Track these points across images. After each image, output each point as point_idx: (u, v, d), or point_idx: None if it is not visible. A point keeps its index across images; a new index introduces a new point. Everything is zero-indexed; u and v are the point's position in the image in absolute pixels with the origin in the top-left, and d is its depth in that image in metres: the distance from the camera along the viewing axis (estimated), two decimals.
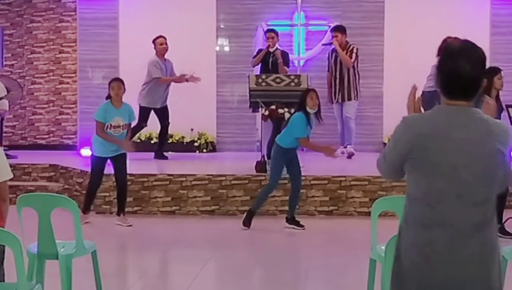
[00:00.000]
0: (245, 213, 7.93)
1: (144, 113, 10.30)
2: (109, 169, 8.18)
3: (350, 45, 10.42)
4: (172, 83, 10.52)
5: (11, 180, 4.03)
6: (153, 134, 11.20)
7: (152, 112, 10.42)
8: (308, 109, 7.62)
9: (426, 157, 2.69)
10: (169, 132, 10.90)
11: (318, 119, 7.79)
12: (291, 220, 7.92)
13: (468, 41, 2.78)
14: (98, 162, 8.08)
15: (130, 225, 8.00)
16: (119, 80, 8.12)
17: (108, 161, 8.07)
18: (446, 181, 2.67)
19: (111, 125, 7.91)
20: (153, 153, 10.58)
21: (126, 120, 8.00)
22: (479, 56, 2.74)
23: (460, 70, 2.70)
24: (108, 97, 8.01)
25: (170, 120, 10.55)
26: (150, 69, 10.30)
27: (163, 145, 10.67)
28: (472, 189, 2.67)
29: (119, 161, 8.04)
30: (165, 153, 10.58)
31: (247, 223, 7.84)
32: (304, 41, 11.49)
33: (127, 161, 8.16)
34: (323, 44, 11.03)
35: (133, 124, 8.76)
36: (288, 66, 10.32)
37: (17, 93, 11.20)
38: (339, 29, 10.45)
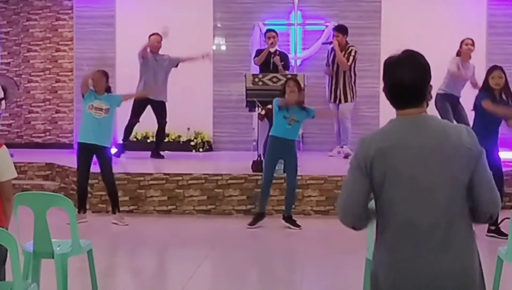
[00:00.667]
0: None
1: (138, 107, 10.26)
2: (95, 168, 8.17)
3: (349, 47, 10.32)
4: (170, 77, 10.49)
5: (15, 178, 4.05)
6: (150, 133, 11.19)
7: (150, 108, 10.38)
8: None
9: (388, 171, 2.67)
10: (166, 131, 10.89)
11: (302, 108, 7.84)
12: (288, 219, 7.93)
13: (408, 50, 2.77)
14: (80, 151, 8.05)
15: (126, 225, 7.99)
16: (99, 72, 8.19)
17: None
18: (410, 190, 2.65)
19: (92, 105, 7.95)
20: (149, 152, 10.57)
21: (108, 105, 7.99)
22: (418, 62, 2.73)
23: (400, 79, 2.70)
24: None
25: (167, 120, 10.51)
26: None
27: (159, 144, 10.65)
28: (436, 194, 2.64)
29: (102, 157, 8.02)
30: (161, 152, 10.56)
31: (253, 223, 7.92)
32: (301, 40, 11.49)
33: (111, 158, 8.17)
34: (322, 43, 11.00)
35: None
36: (288, 69, 10.22)
37: (14, 92, 11.18)
38: (341, 30, 10.34)
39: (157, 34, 10.36)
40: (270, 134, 7.92)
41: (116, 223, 8.01)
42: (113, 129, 8.22)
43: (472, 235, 2.73)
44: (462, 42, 9.69)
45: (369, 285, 2.83)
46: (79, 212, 7.96)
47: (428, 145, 2.66)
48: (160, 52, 10.43)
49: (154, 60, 10.36)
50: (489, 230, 7.35)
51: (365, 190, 2.73)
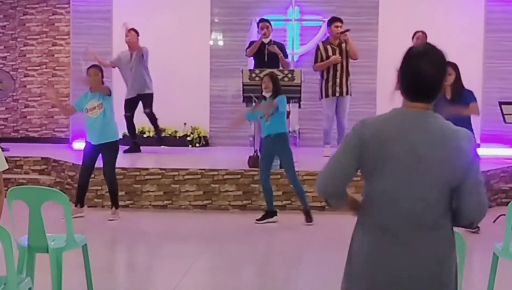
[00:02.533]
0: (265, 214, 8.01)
1: (130, 103, 10.30)
2: (100, 162, 8.15)
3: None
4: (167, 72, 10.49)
5: (3, 172, 4.01)
6: (146, 128, 11.17)
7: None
8: (264, 93, 7.90)
9: (382, 159, 2.68)
10: (162, 126, 10.87)
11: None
12: (304, 212, 7.96)
13: (430, 44, 2.78)
14: (84, 148, 8.08)
15: (113, 220, 7.99)
16: (94, 66, 8.21)
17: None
18: (401, 183, 2.66)
19: (87, 109, 7.97)
20: (146, 147, 10.56)
21: (101, 100, 7.95)
22: (441, 58, 2.74)
23: (421, 71, 2.70)
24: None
25: (150, 109, 10.45)
26: None
27: (156, 129, 10.64)
28: (425, 191, 2.65)
29: (105, 153, 8.01)
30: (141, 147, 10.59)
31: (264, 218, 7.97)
32: (298, 36, 11.47)
33: (116, 154, 8.08)
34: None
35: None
36: (287, 57, 10.15)
37: (10, 86, 11.15)
38: (339, 20, 10.04)
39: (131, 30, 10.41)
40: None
41: (111, 220, 8.00)
42: (113, 121, 8.09)
43: (453, 239, 2.75)
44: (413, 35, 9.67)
45: (345, 267, 2.85)
46: (76, 205, 7.98)
47: (425, 142, 2.66)
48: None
49: (125, 56, 10.44)
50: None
51: (350, 171, 2.76)
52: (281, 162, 8.03)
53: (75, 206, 7.99)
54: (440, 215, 2.68)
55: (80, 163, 8.84)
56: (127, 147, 10.26)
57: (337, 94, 9.99)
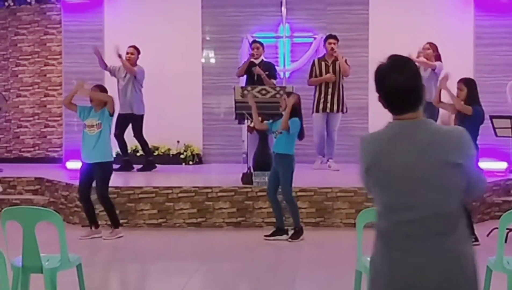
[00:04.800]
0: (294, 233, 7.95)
1: (120, 122, 10.32)
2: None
3: (343, 56, 10.35)
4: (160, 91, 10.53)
5: None
6: (138, 147, 11.17)
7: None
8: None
9: (378, 173, 2.76)
10: (156, 144, 10.88)
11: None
12: (293, 231, 7.94)
13: (396, 55, 2.83)
14: (82, 169, 8.07)
15: (108, 239, 7.98)
16: (96, 86, 8.20)
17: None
18: (395, 194, 2.73)
19: (85, 125, 7.97)
20: (139, 165, 10.54)
21: (100, 120, 7.93)
22: (409, 66, 2.78)
23: (396, 84, 2.74)
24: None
25: (140, 134, 10.52)
26: None
27: (147, 155, 10.66)
28: (421, 199, 2.68)
29: (97, 173, 7.97)
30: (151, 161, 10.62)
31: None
32: (289, 53, 11.53)
33: (108, 175, 8.03)
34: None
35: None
36: (275, 78, 10.24)
37: (3, 105, 11.16)
38: (336, 37, 10.29)
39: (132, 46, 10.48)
40: None
41: (107, 239, 7.98)
42: (109, 142, 8.05)
43: (467, 238, 2.76)
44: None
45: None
46: (90, 227, 8.07)
47: (414, 151, 2.69)
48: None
49: (115, 71, 10.56)
50: None
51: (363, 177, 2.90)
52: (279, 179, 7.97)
53: (90, 228, 8.06)
54: (445, 222, 2.69)
55: (73, 182, 8.85)
56: (118, 166, 10.25)
57: (328, 110, 10.25)
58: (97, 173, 7.95)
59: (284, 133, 7.78)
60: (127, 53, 10.40)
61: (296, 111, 7.88)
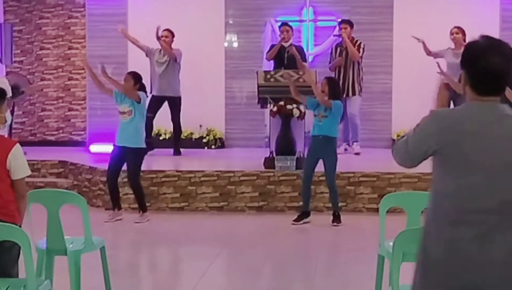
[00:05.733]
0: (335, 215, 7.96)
1: (154, 103, 10.33)
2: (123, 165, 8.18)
3: (356, 40, 10.34)
4: (182, 74, 10.55)
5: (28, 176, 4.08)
6: (162, 130, 11.20)
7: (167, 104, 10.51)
8: None
9: (459, 153, 2.65)
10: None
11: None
12: (333, 216, 7.94)
13: (493, 38, 2.77)
14: (112, 151, 8.12)
15: (147, 220, 8.08)
16: (128, 74, 8.22)
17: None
18: (481, 178, 2.63)
19: (119, 111, 8.05)
20: (162, 149, 10.57)
21: (131, 107, 7.96)
22: (505, 49, 2.72)
23: (495, 66, 2.68)
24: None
25: (178, 118, 10.53)
26: None
27: (176, 141, 10.69)
28: (506, 187, 2.63)
29: (129, 159, 8.01)
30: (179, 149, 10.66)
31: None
32: (312, 36, 11.47)
33: (139, 161, 8.06)
34: (334, 35, 10.87)
35: None
36: (305, 61, 10.21)
37: (26, 90, 11.23)
38: (348, 22, 10.36)
39: (166, 30, 10.44)
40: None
41: (138, 222, 8.05)
42: (140, 129, 8.07)
43: None
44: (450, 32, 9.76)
45: (418, 259, 2.79)
46: (113, 209, 8.15)
47: (505, 137, 2.65)
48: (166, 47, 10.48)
49: (152, 55, 10.55)
50: None
51: (422, 156, 2.79)
52: (324, 164, 7.91)
53: (113, 210, 8.14)
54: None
55: (97, 165, 8.91)
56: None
57: (344, 95, 10.10)
58: (129, 158, 7.99)
59: (329, 116, 7.74)
60: (162, 36, 10.40)
61: (337, 94, 7.88)
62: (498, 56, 2.68)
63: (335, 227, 7.83)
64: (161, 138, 11.21)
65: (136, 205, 8.30)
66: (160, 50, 10.47)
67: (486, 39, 2.75)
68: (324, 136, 7.77)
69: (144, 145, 8.12)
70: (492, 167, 2.63)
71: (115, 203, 8.18)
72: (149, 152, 10.32)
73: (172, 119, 10.54)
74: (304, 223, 7.92)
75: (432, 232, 2.72)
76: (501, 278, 2.62)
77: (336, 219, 7.90)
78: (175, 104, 10.49)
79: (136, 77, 8.07)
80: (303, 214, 7.98)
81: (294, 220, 7.93)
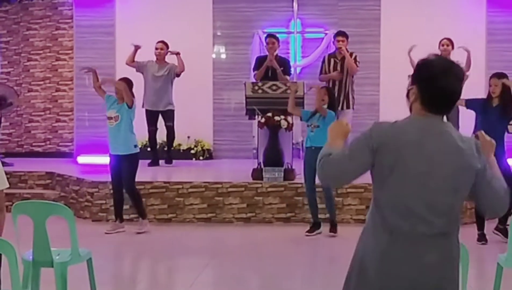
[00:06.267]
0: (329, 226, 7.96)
1: (147, 116, 10.33)
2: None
3: (352, 53, 10.28)
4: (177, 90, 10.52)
5: (7, 188, 4.03)
6: (144, 142, 11.06)
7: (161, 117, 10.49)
8: None
9: (397, 164, 2.71)
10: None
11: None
12: (330, 226, 7.95)
13: (445, 58, 2.87)
14: (110, 162, 8.08)
15: (140, 233, 8.04)
16: (122, 80, 8.14)
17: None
18: (415, 189, 2.70)
19: (107, 116, 8.02)
20: (149, 161, 10.51)
21: (118, 113, 7.93)
22: (457, 70, 2.80)
23: (451, 87, 2.75)
24: None
25: (173, 123, 10.50)
26: None
27: (169, 149, 10.67)
28: (439, 198, 2.71)
29: (123, 165, 7.98)
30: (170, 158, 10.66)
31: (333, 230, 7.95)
32: (300, 48, 11.51)
33: (133, 167, 8.02)
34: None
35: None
36: (289, 74, 10.12)
37: (15, 99, 11.18)
38: (345, 34, 10.11)
39: (158, 41, 10.41)
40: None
41: (140, 232, 8.03)
42: (129, 135, 8.00)
43: (459, 247, 2.82)
44: (439, 43, 9.73)
45: (353, 272, 2.84)
46: (115, 220, 8.13)
47: (442, 151, 2.71)
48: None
49: (152, 69, 10.43)
50: (496, 228, 7.54)
51: (362, 171, 2.81)
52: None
53: (115, 221, 8.13)
54: (452, 222, 2.75)
55: (84, 177, 8.88)
56: (149, 161, 10.33)
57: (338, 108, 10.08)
58: (123, 165, 7.96)
59: (321, 126, 7.75)
60: (157, 49, 10.37)
61: (333, 105, 7.93)
62: (454, 78, 2.75)
63: (331, 237, 7.84)
64: (148, 149, 11.15)
65: (127, 217, 8.29)
66: (155, 63, 10.42)
67: (440, 59, 2.83)
68: (316, 147, 7.78)
69: (136, 150, 8.05)
70: (425, 178, 2.70)
71: (118, 214, 8.16)
72: (168, 165, 10.36)
73: (166, 125, 10.51)
74: (317, 234, 7.94)
75: (369, 241, 2.80)
76: (435, 283, 2.71)
77: (333, 228, 7.92)
78: (173, 117, 10.47)
79: (129, 83, 8.05)
80: (315, 225, 7.99)
81: (307, 231, 7.95)
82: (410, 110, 2.84)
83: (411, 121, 2.80)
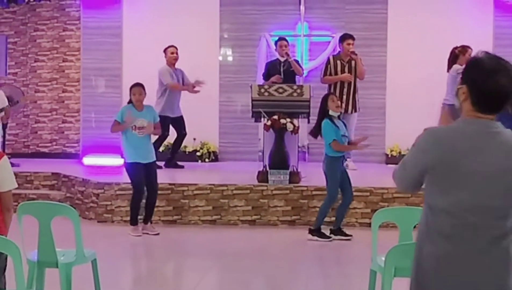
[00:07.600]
0: (312, 233, 7.83)
1: (165, 122, 10.32)
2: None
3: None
4: (182, 93, 10.50)
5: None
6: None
7: None
8: (331, 113, 7.72)
9: (456, 169, 2.68)
10: (172, 141, 10.87)
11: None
12: (337, 231, 7.88)
13: (497, 56, 2.77)
14: (135, 170, 8.02)
15: (157, 233, 8.06)
16: (139, 85, 8.11)
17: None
18: (475, 193, 2.67)
19: (135, 126, 7.93)
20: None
21: (149, 119, 8.00)
22: (510, 68, 2.74)
23: (503, 88, 2.69)
24: (130, 102, 8.07)
25: (186, 131, 10.56)
26: (161, 77, 10.28)
27: (175, 154, 10.66)
28: (498, 202, 2.67)
29: (150, 169, 8.03)
30: (178, 163, 10.62)
31: (321, 236, 7.84)
32: (307, 51, 11.51)
33: (156, 170, 8.14)
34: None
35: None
36: (303, 70, 10.24)
37: (20, 100, 11.21)
38: (352, 37, 10.07)
39: (171, 46, 10.38)
40: (329, 154, 7.78)
41: (147, 233, 8.04)
42: (151, 142, 8.20)
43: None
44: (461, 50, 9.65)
45: (412, 274, 2.81)
46: (132, 224, 8.10)
47: (499, 153, 2.68)
48: (165, 61, 10.44)
49: (174, 74, 10.40)
50: None
51: (419, 173, 2.78)
52: (342, 181, 7.85)
53: (131, 225, 8.11)
54: (510, 222, 2.69)
55: (90, 179, 8.87)
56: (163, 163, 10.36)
57: (343, 111, 10.01)
58: (152, 170, 8.05)
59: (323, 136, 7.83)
60: (172, 53, 10.34)
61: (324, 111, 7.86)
62: (506, 78, 2.69)
63: (313, 241, 7.81)
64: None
65: (127, 218, 8.31)
66: (171, 68, 10.35)
67: (491, 57, 2.75)
68: (324, 153, 7.84)
69: None
70: (485, 182, 2.67)
71: (135, 219, 8.13)
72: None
73: (182, 133, 10.55)
74: (340, 239, 7.86)
75: (425, 246, 2.75)
76: (490, 286, 2.67)
77: (311, 232, 7.87)
78: (181, 122, 10.53)
79: (145, 89, 8.13)
80: (336, 231, 7.93)
81: (331, 232, 7.90)
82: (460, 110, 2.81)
83: (464, 125, 2.75)
